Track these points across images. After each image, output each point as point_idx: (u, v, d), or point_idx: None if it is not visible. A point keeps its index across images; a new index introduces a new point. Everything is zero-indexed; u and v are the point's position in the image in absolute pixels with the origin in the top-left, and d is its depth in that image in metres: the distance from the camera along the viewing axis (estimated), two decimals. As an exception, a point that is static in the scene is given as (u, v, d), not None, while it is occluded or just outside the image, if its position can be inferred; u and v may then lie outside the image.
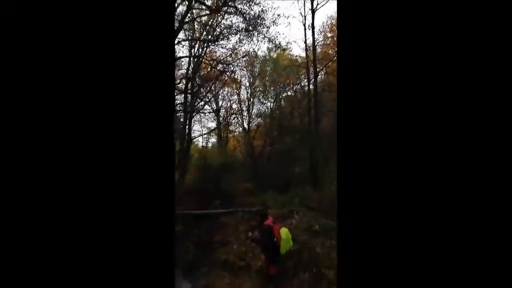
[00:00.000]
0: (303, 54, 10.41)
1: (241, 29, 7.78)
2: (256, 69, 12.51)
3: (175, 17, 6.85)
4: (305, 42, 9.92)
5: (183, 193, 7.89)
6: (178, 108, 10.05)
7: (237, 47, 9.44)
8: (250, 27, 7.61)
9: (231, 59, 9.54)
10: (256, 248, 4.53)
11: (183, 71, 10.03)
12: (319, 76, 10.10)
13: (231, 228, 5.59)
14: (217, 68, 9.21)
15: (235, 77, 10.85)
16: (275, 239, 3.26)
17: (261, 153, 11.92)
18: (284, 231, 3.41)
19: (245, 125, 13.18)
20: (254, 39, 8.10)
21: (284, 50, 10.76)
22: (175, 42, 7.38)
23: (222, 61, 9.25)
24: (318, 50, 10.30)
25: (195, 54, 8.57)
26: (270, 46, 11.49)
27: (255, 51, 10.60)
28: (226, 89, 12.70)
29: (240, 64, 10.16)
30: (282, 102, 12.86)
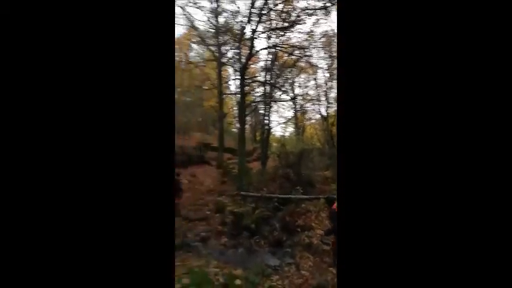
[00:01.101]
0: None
1: (318, 7, 7.38)
2: (334, 49, 11.62)
3: (254, 10, 7.18)
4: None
5: (265, 179, 8.45)
6: (258, 100, 10.67)
7: (313, 29, 9.05)
8: (328, 3, 7.11)
9: (307, 43, 9.24)
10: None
11: (262, 64, 10.49)
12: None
13: (313, 214, 5.64)
14: (294, 54, 9.11)
15: (312, 61, 10.48)
16: None
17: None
18: None
19: (322, 111, 12.64)
20: (332, 16, 7.55)
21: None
22: (254, 35, 7.75)
23: (298, 46, 9.07)
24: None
25: (272, 45, 8.75)
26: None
27: (333, 30, 9.88)
28: (303, 76, 12.46)
29: (317, 47, 9.72)
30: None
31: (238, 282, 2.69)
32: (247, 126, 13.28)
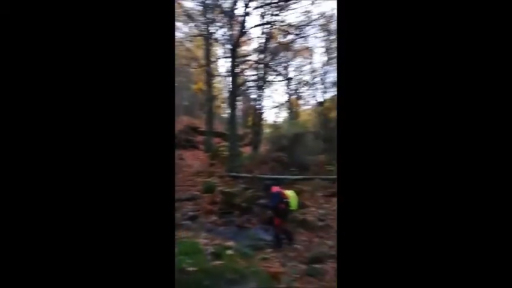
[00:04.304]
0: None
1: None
2: (332, 31, 11.30)
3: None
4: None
5: (257, 162, 8.23)
6: (250, 83, 10.30)
7: (311, 9, 8.69)
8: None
9: (304, 23, 8.87)
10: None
11: (256, 45, 10.05)
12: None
13: (308, 194, 5.47)
14: (289, 34, 8.76)
15: (308, 44, 10.15)
16: (284, 200, 3.77)
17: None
18: (290, 192, 3.94)
19: (318, 96, 12.42)
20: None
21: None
22: (246, 12, 7.35)
23: (294, 26, 8.70)
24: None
25: (266, 22, 8.35)
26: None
27: (332, 10, 9.54)
28: (298, 60, 12.13)
29: (314, 27, 9.39)
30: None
31: (230, 252, 2.46)
32: (238, 110, 12.92)
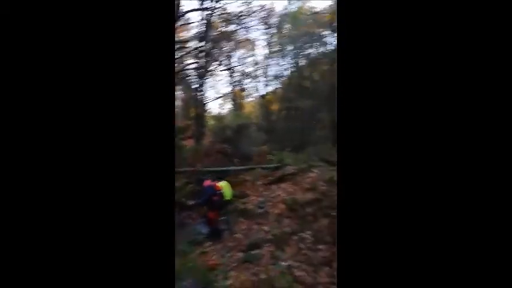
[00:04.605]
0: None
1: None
2: (274, 26, 11.63)
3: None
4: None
5: (201, 155, 8.00)
6: (190, 73, 9.78)
7: (251, 1, 8.68)
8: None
9: (245, 13, 8.84)
10: (276, 197, 4.55)
11: (194, 32, 9.53)
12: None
13: (249, 183, 5.63)
14: (230, 23, 8.61)
15: (249, 35, 10.20)
16: (218, 192, 3.88)
17: (279, 117, 11.61)
18: (223, 183, 4.07)
19: (260, 88, 12.74)
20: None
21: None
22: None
23: (236, 16, 8.59)
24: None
25: (205, 8, 7.98)
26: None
27: (272, 4, 9.74)
28: (241, 51, 12.10)
29: (255, 19, 9.46)
30: (302, 63, 12.06)
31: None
32: (178, 101, 12.20)
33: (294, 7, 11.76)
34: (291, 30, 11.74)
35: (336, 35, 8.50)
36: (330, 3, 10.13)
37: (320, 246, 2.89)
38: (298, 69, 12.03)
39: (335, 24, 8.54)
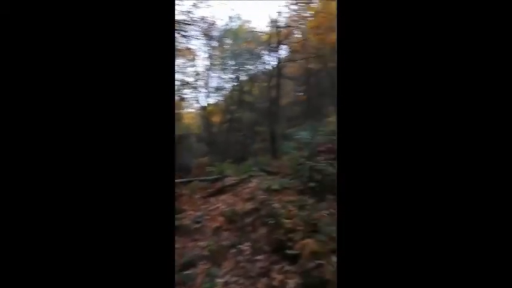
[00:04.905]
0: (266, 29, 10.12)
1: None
2: (215, 39, 11.74)
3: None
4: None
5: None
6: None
7: (192, 10, 8.58)
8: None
9: (187, 21, 8.63)
10: (215, 210, 4.33)
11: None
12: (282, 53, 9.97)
13: (186, 197, 5.24)
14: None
15: (191, 46, 9.97)
16: None
17: (220, 129, 11.51)
18: None
19: (201, 99, 12.47)
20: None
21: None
22: None
23: (177, 23, 8.28)
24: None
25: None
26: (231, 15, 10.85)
27: (213, 17, 9.85)
28: (181, 60, 11.68)
29: (196, 30, 9.33)
30: (243, 77, 12.47)
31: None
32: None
33: (235, 24, 12.24)
34: (232, 45, 12.11)
35: (273, 54, 9.18)
36: (267, 24, 10.93)
37: (258, 257, 2.83)
38: (239, 84, 12.37)
39: (273, 44, 9.22)
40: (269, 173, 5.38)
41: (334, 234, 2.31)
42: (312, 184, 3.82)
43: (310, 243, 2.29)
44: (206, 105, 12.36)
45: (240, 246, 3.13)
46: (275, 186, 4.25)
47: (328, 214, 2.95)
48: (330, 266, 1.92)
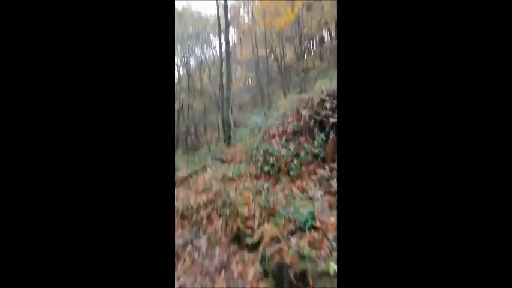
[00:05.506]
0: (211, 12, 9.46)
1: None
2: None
3: None
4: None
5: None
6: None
7: None
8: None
9: None
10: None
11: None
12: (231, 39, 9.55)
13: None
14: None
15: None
16: None
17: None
18: None
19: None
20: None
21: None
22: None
23: None
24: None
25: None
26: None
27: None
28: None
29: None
30: (191, 64, 11.67)
31: None
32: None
33: (179, 7, 11.24)
34: (178, 29, 11.15)
35: (219, 39, 8.72)
36: (214, 8, 10.34)
37: (216, 250, 2.66)
38: (187, 71, 11.58)
39: (220, 28, 8.75)
40: (223, 161, 5.19)
41: (291, 216, 2.28)
42: (266, 168, 3.78)
43: (268, 229, 2.22)
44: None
45: (195, 243, 2.91)
46: (229, 175, 4.09)
47: (283, 196, 2.93)
48: (290, 249, 1.87)
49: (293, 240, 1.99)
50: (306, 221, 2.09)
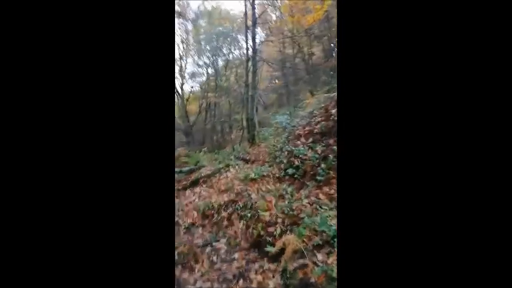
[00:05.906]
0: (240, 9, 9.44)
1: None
2: (190, 24, 10.88)
3: None
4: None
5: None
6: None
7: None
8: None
9: None
10: (189, 204, 3.97)
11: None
12: (258, 39, 9.44)
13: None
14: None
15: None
16: None
17: (197, 117, 10.91)
18: None
19: (177, 87, 11.66)
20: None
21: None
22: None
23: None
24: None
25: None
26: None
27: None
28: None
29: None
30: (219, 63, 11.78)
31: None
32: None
33: (209, 6, 11.42)
34: (206, 28, 11.34)
35: (246, 37, 8.63)
36: (242, 6, 10.30)
37: (235, 255, 2.54)
38: (215, 70, 11.71)
39: (247, 26, 8.66)
40: (246, 161, 5.08)
41: (318, 227, 2.06)
42: (290, 171, 3.57)
43: (291, 240, 2.03)
44: (181, 92, 11.59)
45: (215, 244, 2.82)
46: (252, 175, 3.95)
47: (308, 203, 2.71)
48: (316, 266, 1.66)
49: (319, 256, 1.77)
50: (335, 236, 1.83)
